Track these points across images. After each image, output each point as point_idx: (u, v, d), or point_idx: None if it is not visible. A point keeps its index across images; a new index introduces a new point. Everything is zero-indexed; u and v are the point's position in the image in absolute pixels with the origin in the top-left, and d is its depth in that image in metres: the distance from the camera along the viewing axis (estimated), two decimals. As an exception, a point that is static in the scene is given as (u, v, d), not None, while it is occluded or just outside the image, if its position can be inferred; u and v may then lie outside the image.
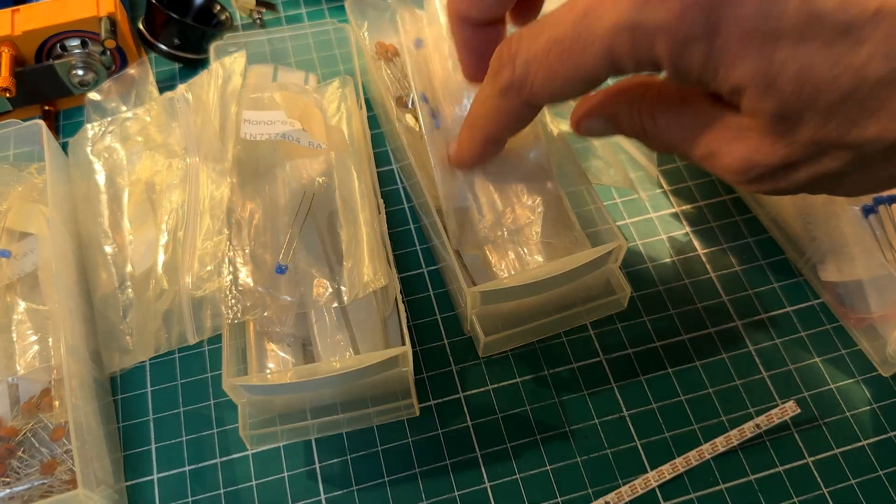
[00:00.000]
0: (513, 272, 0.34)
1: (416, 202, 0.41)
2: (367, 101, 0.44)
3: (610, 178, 0.38)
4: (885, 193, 0.35)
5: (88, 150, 0.39)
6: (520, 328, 0.35)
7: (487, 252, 0.35)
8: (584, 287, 0.35)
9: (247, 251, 0.34)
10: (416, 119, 0.38)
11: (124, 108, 0.41)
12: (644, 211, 0.41)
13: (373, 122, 0.44)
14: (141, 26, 0.45)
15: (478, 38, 0.29)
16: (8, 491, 0.31)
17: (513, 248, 0.35)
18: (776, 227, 0.40)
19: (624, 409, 0.35)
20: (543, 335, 0.37)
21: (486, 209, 0.35)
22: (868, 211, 0.35)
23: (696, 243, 0.40)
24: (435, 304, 0.38)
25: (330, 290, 0.34)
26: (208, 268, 0.32)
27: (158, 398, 0.36)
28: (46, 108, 0.45)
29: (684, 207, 0.41)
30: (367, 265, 0.34)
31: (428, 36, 0.38)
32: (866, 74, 0.17)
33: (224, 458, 0.34)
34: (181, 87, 0.39)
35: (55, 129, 0.45)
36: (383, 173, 0.43)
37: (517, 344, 0.36)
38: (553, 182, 0.36)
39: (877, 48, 0.17)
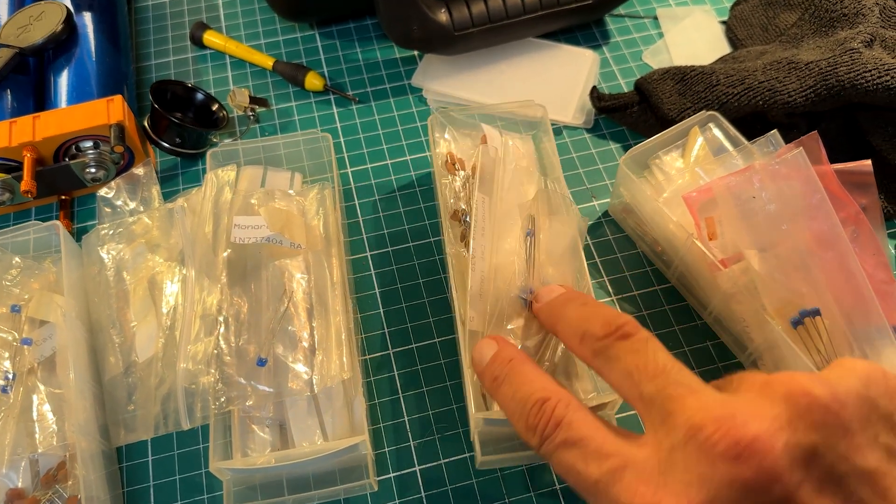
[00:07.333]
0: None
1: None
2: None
3: None
4: (809, 307, 0.39)
5: (99, 249, 0.45)
6: (516, 454, 0.39)
7: None
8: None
9: (233, 345, 0.40)
10: (464, 241, 0.43)
11: (132, 204, 0.47)
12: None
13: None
14: (146, 124, 0.51)
15: None
16: (30, 553, 0.37)
17: None
18: (719, 326, 0.45)
19: (556, 484, 0.40)
20: (533, 462, 0.41)
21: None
22: (796, 323, 0.39)
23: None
24: (398, 384, 0.44)
25: (303, 380, 0.40)
26: (200, 365, 0.38)
27: (158, 466, 0.41)
28: (63, 197, 0.51)
29: (620, 296, 0.47)
30: (336, 358, 0.40)
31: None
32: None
33: (212, 522, 0.40)
34: (180, 200, 0.45)
35: (70, 216, 0.51)
36: (358, 260, 0.48)
37: (508, 465, 0.41)
38: None
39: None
